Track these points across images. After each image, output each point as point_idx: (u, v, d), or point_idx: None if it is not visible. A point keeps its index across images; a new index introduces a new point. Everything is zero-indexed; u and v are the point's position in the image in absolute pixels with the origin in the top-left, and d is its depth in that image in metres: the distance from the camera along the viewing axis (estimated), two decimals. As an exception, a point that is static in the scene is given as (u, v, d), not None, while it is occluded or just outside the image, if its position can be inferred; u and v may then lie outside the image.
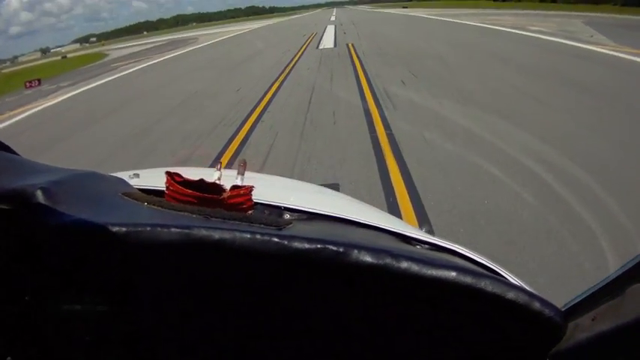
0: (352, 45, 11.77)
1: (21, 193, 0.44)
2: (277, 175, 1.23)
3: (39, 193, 0.44)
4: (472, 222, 2.28)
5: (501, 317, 0.41)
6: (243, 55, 12.69)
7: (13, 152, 0.58)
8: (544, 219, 2.25)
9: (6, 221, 0.44)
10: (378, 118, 4.40)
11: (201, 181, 0.55)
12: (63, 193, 0.46)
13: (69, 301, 0.46)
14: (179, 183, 0.55)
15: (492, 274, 0.43)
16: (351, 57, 9.39)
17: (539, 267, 1.88)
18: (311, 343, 0.48)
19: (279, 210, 0.61)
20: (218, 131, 4.60)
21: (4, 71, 31.61)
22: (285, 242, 0.42)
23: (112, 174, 0.64)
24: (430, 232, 2.05)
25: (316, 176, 3.04)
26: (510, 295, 0.40)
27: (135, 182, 0.66)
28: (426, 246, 0.56)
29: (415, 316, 0.44)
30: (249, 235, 0.43)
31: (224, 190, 0.55)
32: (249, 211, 0.55)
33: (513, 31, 11.82)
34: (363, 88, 6.00)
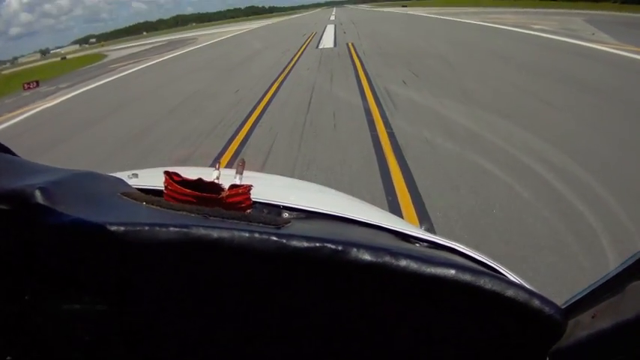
0: (352, 44, 11.75)
1: (20, 194, 0.44)
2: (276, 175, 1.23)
3: (38, 194, 0.44)
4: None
5: (501, 315, 0.41)
6: (242, 56, 12.68)
7: (12, 153, 0.58)
8: (539, 212, 2.25)
9: (5, 222, 0.44)
10: (379, 118, 4.39)
11: (200, 180, 0.55)
12: (62, 193, 0.46)
13: (68, 301, 0.46)
14: (178, 182, 0.55)
15: (492, 272, 0.43)
16: (352, 57, 9.37)
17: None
18: (310, 341, 0.48)
19: (277, 209, 0.61)
20: (218, 131, 4.60)
21: (3, 72, 31.67)
22: (284, 241, 0.42)
23: (110, 174, 0.64)
24: (430, 230, 2.04)
25: (315, 181, 3.02)
26: (510, 292, 0.39)
27: (133, 182, 0.66)
28: (425, 244, 0.56)
29: (414, 313, 0.44)
30: (247, 234, 0.43)
31: (223, 190, 0.55)
32: (248, 210, 0.55)
33: (515, 29, 11.80)
34: (364, 88, 5.98)
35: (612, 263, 1.81)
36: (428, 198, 2.58)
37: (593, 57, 6.76)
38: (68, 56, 39.75)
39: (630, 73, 5.56)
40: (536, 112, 4.13)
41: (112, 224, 0.43)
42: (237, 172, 0.67)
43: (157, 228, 0.43)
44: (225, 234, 0.42)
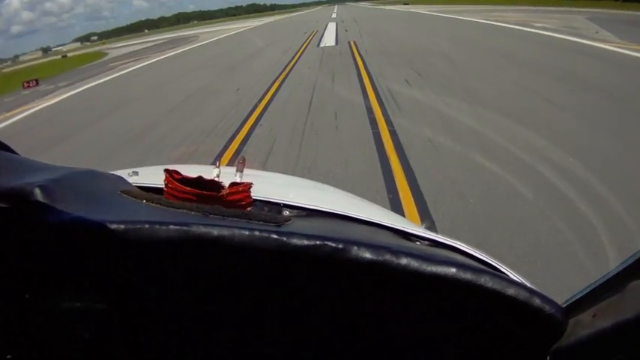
0: (354, 43, 11.71)
1: (20, 192, 0.44)
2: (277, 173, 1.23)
3: (37, 191, 0.44)
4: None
5: (501, 313, 0.40)
6: (244, 54, 12.67)
7: (12, 151, 0.58)
8: (537, 205, 2.25)
9: (5, 220, 0.44)
10: (382, 118, 4.36)
11: (200, 178, 0.55)
12: (61, 191, 0.46)
13: (68, 300, 0.46)
14: (178, 180, 0.55)
15: (492, 271, 0.43)
16: (353, 55, 9.33)
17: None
18: (310, 339, 0.47)
19: (278, 207, 0.61)
20: (218, 130, 4.59)
21: (4, 71, 31.71)
22: (284, 239, 0.42)
23: (110, 172, 0.64)
24: (430, 228, 2.04)
25: (316, 181, 2.99)
26: (511, 291, 0.39)
27: (134, 180, 0.66)
28: (426, 242, 0.56)
29: (415, 312, 0.44)
30: (248, 232, 0.42)
31: (223, 188, 0.55)
32: (248, 208, 0.55)
33: (518, 27, 11.74)
34: (366, 87, 5.96)
35: (612, 262, 1.81)
36: (429, 196, 2.58)
37: (598, 56, 6.69)
38: (69, 54, 39.76)
39: (637, 72, 5.48)
40: (538, 111, 4.12)
41: (112, 222, 0.43)
42: (237, 170, 0.67)
43: (157, 226, 0.43)
44: (225, 232, 0.42)
